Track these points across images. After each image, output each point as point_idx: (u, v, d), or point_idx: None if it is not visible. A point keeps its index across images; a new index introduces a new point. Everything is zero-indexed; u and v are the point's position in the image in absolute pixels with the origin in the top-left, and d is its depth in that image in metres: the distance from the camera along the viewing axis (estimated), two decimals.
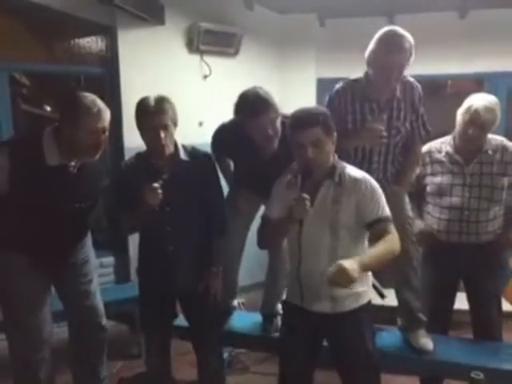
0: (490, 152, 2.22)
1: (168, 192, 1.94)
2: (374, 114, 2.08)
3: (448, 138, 2.33)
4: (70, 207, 2.01)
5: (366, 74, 2.11)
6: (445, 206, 2.29)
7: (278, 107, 2.06)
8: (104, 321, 2.26)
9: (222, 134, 2.31)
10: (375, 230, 1.72)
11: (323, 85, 4.44)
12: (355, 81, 2.14)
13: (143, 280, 2.22)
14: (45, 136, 1.94)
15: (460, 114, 2.21)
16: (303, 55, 4.37)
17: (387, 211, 1.74)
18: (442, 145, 2.33)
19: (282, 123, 2.08)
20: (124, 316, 2.95)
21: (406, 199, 2.20)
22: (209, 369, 2.28)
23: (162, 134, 1.92)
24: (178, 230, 2.05)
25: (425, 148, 2.34)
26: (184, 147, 2.09)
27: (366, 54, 2.06)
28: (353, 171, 1.78)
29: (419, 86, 2.14)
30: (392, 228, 1.72)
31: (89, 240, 2.25)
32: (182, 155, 2.06)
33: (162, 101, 1.94)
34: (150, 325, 2.24)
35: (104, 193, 2.15)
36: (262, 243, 1.92)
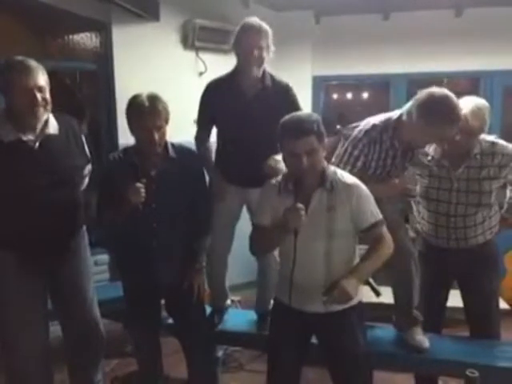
0: (478, 156, 2.15)
1: (154, 189, 1.94)
2: (395, 160, 2.06)
3: None
4: (41, 186, 1.90)
5: (403, 128, 1.99)
6: (432, 210, 2.26)
7: (271, 43, 2.21)
8: (102, 328, 2.22)
9: (212, 85, 2.42)
10: (371, 234, 1.76)
11: (319, 82, 4.45)
12: (385, 129, 2.02)
13: (126, 277, 2.20)
14: None
15: None
16: (299, 52, 4.34)
17: (380, 215, 1.77)
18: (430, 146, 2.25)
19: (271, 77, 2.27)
20: (119, 314, 2.93)
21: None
22: (198, 367, 2.26)
23: (156, 136, 1.92)
24: (164, 226, 2.04)
25: None
26: (172, 144, 2.08)
27: (421, 119, 1.88)
28: (343, 176, 1.78)
29: None
30: (385, 230, 1.77)
31: (86, 249, 2.19)
32: (171, 152, 2.04)
33: (155, 100, 1.92)
34: (136, 324, 2.23)
35: (81, 173, 2.09)
36: (254, 250, 1.92)
